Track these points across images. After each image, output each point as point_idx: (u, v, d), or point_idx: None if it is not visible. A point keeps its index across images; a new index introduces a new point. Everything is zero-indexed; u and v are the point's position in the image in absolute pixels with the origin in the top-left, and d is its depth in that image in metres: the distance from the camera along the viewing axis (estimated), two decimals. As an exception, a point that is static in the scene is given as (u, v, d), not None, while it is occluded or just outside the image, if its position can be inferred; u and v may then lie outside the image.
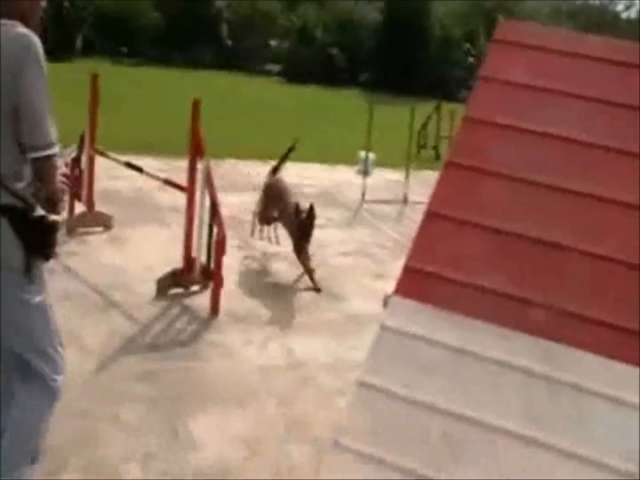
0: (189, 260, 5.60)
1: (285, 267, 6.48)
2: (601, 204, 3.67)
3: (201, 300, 5.49)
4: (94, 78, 6.59)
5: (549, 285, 3.51)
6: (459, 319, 3.46)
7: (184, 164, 5.79)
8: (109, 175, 7.93)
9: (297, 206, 6.12)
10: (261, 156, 10.05)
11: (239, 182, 9.11)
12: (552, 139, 3.92)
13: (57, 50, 22.15)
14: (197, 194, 5.58)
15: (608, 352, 3.25)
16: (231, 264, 5.93)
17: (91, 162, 6.67)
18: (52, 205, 2.86)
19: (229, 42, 28.36)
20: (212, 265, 5.43)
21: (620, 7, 47.68)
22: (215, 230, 5.38)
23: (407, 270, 3.69)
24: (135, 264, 6.05)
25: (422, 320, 3.49)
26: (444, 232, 3.80)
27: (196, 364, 4.62)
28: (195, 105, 5.51)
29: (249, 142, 11.54)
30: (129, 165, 6.41)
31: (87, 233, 6.67)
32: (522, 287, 3.49)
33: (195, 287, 5.64)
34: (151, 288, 5.53)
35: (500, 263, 3.64)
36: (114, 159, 6.59)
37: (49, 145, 2.83)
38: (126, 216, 7.16)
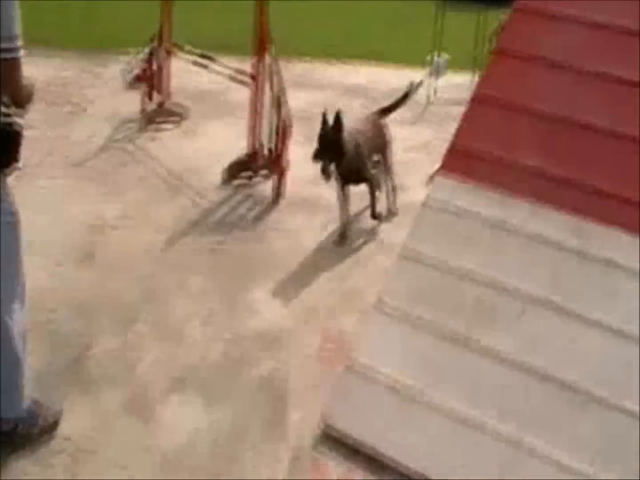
0: (254, 147, 5.87)
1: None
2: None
3: (266, 187, 5.76)
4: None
5: (586, 166, 3.66)
6: (498, 195, 3.67)
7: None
8: (183, 73, 8.18)
9: (323, 115, 5.10)
10: (332, 57, 10.17)
11: (309, 81, 9.27)
12: (599, 27, 4.00)
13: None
14: (265, 86, 5.81)
15: (638, 230, 3.41)
16: (296, 155, 6.15)
17: (167, 55, 6.92)
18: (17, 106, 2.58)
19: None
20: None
21: None
22: (281, 118, 5.60)
23: (453, 150, 3.91)
24: (205, 154, 6.33)
25: (463, 196, 3.72)
26: (490, 115, 3.97)
27: (257, 242, 4.93)
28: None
29: (323, 44, 11.57)
30: (203, 56, 6.61)
31: (163, 123, 6.98)
32: (561, 167, 3.66)
33: (261, 174, 5.90)
34: (219, 175, 5.83)
35: (541, 144, 3.80)
36: (189, 51, 6.78)
37: (12, 39, 2.51)
38: (199, 111, 7.42)
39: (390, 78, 10.16)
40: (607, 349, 3.21)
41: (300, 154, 6.43)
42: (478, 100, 4.03)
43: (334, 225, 5.24)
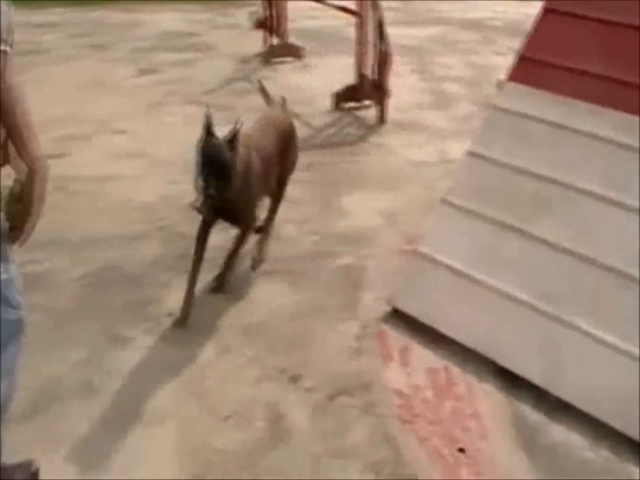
0: (361, 76, 6.26)
1: (457, 87, 6.97)
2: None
3: (371, 113, 6.16)
4: None
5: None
6: (560, 99, 3.95)
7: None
8: (307, 17, 8.72)
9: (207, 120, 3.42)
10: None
11: (426, 16, 9.53)
12: None
13: None
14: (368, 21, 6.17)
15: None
16: (405, 84, 6.52)
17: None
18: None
19: None
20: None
21: None
22: (381, 47, 5.96)
23: (521, 59, 4.18)
24: (318, 84, 6.79)
25: (528, 101, 4.02)
26: (556, 26, 4.22)
27: (358, 158, 5.35)
28: None
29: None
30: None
31: (280, 62, 7.50)
32: (619, 70, 3.88)
33: (367, 102, 6.29)
34: (329, 103, 6.28)
35: (603, 51, 4.02)
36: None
37: None
38: (317, 48, 7.90)
39: (509, 9, 10.25)
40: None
41: (407, 82, 6.81)
42: (545, 13, 4.26)
43: (431, 145, 5.58)
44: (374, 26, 6.05)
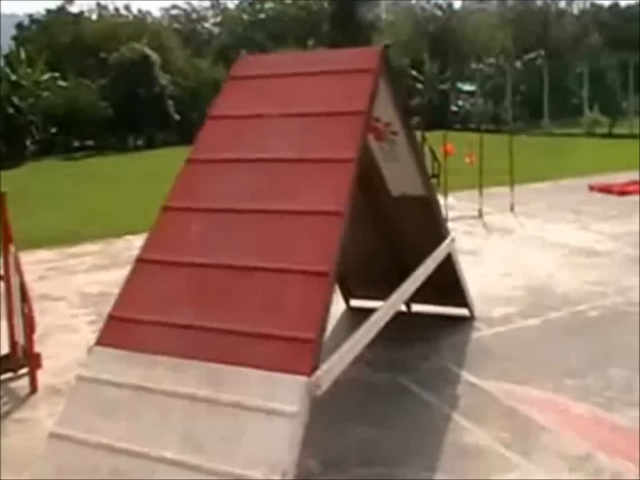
0: (12, 344, 5.98)
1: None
2: (294, 217, 4.00)
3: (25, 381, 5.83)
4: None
5: (227, 309, 3.79)
6: (145, 358, 3.77)
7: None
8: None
9: None
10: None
11: (128, 259, 9.51)
12: (257, 163, 4.28)
13: (10, 156, 23.03)
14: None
15: (272, 365, 3.51)
16: (79, 341, 6.28)
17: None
18: None
19: (177, 118, 29.08)
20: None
21: (562, 4, 48.64)
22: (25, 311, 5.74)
23: (110, 319, 4.04)
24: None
25: (114, 366, 3.78)
26: (148, 277, 4.13)
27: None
28: (1, 199, 5.88)
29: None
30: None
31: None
32: (202, 316, 3.80)
33: (23, 370, 5.97)
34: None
35: (192, 298, 3.94)
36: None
37: None
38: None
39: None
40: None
41: (82, 338, 6.54)
42: (137, 265, 4.22)
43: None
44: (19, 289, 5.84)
